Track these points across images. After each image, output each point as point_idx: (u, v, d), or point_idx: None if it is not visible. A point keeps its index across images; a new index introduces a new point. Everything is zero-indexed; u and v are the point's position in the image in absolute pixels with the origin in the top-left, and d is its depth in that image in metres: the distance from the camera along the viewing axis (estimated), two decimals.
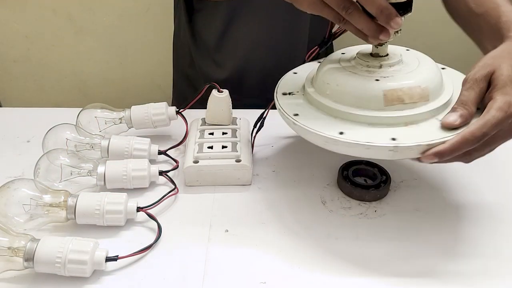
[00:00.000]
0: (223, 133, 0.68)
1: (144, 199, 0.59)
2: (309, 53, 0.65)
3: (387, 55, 0.58)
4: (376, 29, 0.51)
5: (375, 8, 0.49)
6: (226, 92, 0.69)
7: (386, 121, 0.53)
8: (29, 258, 0.49)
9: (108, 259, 0.52)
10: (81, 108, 0.71)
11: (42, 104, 0.95)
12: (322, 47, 0.63)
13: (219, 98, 0.68)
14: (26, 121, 0.79)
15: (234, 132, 0.68)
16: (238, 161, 0.63)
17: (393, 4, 0.50)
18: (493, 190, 0.63)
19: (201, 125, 0.70)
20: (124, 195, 0.57)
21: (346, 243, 0.56)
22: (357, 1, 0.51)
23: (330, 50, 0.88)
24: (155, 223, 0.57)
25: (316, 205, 0.61)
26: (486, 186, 0.64)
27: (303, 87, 0.62)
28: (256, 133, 0.68)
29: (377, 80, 0.55)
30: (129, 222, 0.57)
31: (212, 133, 0.68)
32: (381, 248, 0.55)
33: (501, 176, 0.66)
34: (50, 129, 0.65)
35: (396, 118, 0.53)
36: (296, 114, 0.57)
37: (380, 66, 0.57)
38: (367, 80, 0.55)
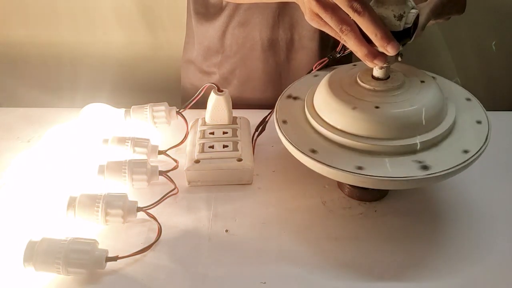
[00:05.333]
0: (224, 133, 0.68)
1: (144, 199, 0.59)
2: (318, 63, 0.65)
3: (389, 77, 0.57)
4: (368, 53, 0.50)
5: (371, 31, 0.49)
6: (226, 91, 0.69)
7: (384, 150, 0.52)
8: (29, 258, 0.49)
9: (108, 259, 0.51)
10: (81, 108, 0.71)
11: (42, 104, 0.95)
12: (332, 58, 0.62)
13: (219, 98, 0.68)
14: (26, 121, 0.79)
15: (234, 131, 0.68)
16: (239, 160, 0.63)
17: (392, 32, 0.49)
18: (494, 189, 0.63)
19: (201, 125, 0.70)
20: (124, 195, 0.57)
21: (346, 243, 0.56)
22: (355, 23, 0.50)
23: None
24: (155, 223, 0.57)
25: (316, 205, 0.61)
26: (487, 186, 0.64)
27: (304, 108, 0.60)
28: (258, 136, 0.68)
29: (376, 107, 0.54)
30: (129, 222, 0.57)
31: (212, 133, 0.68)
32: (381, 248, 0.55)
33: (502, 175, 0.66)
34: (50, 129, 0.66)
35: (395, 148, 0.52)
36: (285, 121, 0.56)
37: (380, 90, 0.55)
38: (365, 106, 0.54)
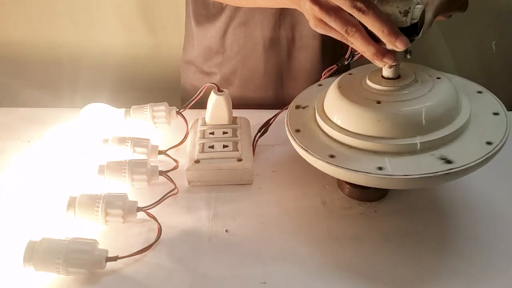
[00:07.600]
0: (224, 133, 0.68)
1: (144, 199, 0.59)
2: (326, 70, 0.64)
3: (399, 77, 0.56)
4: (377, 52, 0.50)
5: (377, 28, 0.48)
6: (226, 91, 0.69)
7: (384, 149, 0.52)
8: (29, 258, 0.49)
9: (108, 259, 0.51)
10: (81, 108, 0.71)
11: (42, 104, 0.95)
12: (341, 65, 0.62)
13: (219, 98, 0.68)
14: (26, 121, 0.79)
15: (234, 131, 0.68)
16: (239, 160, 0.63)
17: (399, 29, 0.49)
18: (495, 189, 0.63)
19: (201, 125, 0.70)
20: (124, 195, 0.57)
21: (346, 243, 0.55)
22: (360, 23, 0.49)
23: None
24: (155, 223, 0.57)
25: (316, 205, 0.61)
26: (489, 185, 0.64)
27: (315, 104, 0.60)
28: (259, 138, 0.68)
29: (379, 103, 0.53)
30: (129, 222, 0.57)
31: (212, 133, 0.68)
32: (381, 248, 0.55)
33: (503, 175, 0.66)
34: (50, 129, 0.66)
35: (398, 146, 0.52)
36: (298, 130, 0.57)
37: (389, 90, 0.55)
38: (373, 107, 0.53)
